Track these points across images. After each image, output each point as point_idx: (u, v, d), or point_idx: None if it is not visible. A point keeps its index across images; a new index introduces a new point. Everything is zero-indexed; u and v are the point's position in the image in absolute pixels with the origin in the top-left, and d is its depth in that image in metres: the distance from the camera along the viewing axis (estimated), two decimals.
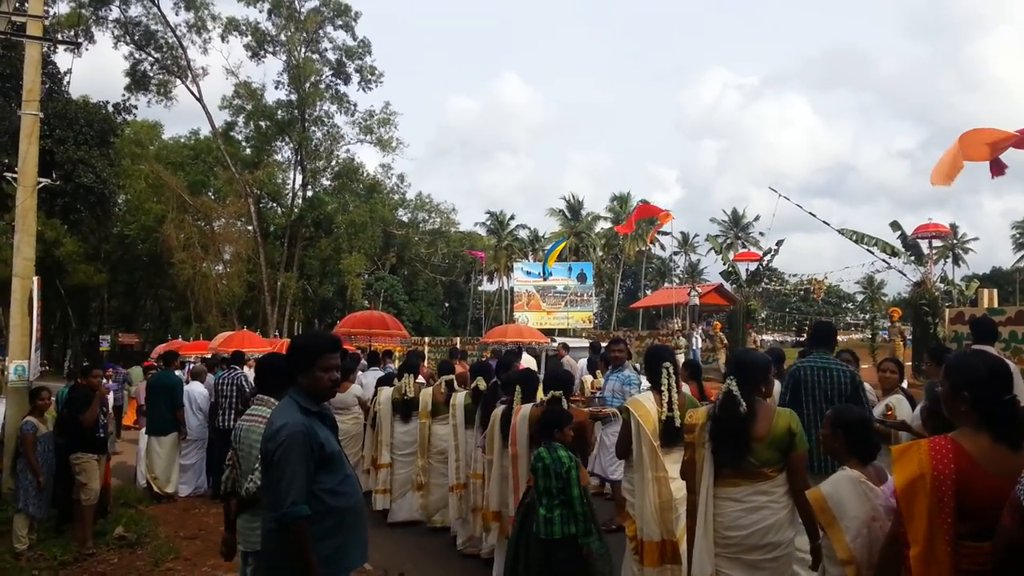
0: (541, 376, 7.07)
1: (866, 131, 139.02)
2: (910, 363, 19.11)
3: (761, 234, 63.58)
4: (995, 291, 22.10)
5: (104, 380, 10.19)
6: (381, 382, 8.89)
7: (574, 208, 65.84)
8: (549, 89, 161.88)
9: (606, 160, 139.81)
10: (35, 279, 10.32)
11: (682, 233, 69.17)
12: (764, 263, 26.86)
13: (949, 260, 62.99)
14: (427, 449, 7.69)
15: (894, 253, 20.05)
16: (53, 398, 8.25)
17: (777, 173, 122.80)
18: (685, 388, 7.33)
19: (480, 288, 64.88)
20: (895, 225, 20.42)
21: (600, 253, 65.80)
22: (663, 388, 4.81)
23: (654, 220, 35.54)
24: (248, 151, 47.76)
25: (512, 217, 67.50)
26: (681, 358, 24.15)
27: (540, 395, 5.99)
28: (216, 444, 9.83)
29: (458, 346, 21.61)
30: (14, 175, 10.69)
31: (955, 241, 62.71)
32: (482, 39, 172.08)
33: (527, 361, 11.02)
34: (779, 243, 25.35)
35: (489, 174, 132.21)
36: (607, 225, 66.67)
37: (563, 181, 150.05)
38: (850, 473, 3.26)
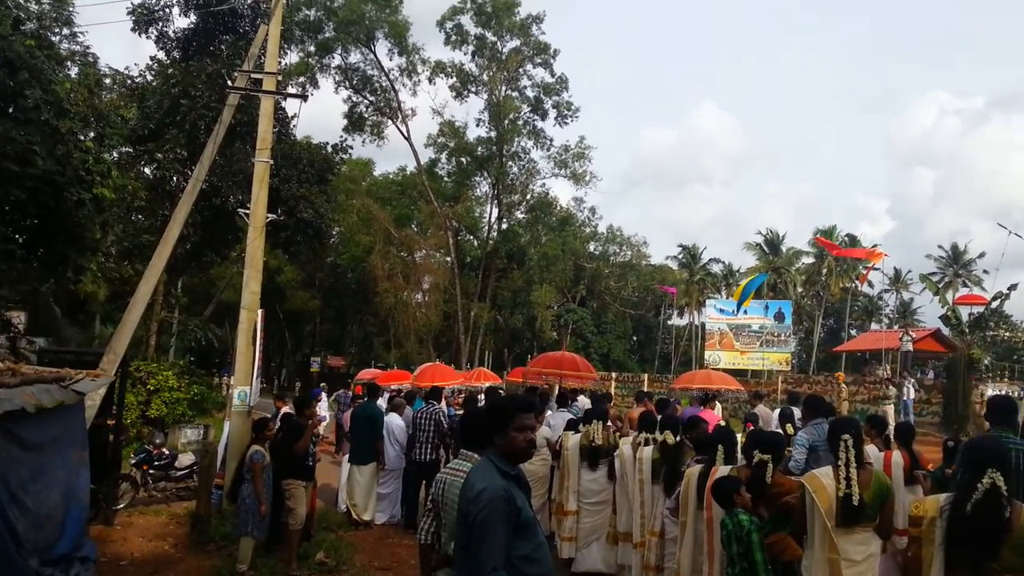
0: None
1: None
2: None
3: (985, 272, 57.68)
4: None
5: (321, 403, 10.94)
6: (570, 426, 8.87)
7: (772, 242, 63.10)
8: (748, 118, 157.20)
9: (808, 191, 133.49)
10: (260, 312, 11.31)
11: (894, 269, 64.24)
12: (992, 308, 24.26)
13: None
14: (625, 501, 7.52)
15: None
16: (277, 426, 8.80)
17: (1004, 204, 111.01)
18: (873, 452, 6.68)
19: (670, 323, 63.71)
20: None
21: (800, 290, 62.51)
22: (840, 463, 4.41)
23: (865, 261, 33.39)
24: (449, 186, 50.13)
25: (705, 250, 66.00)
26: (890, 409, 22.46)
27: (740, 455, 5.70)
28: (411, 475, 10.23)
29: (646, 387, 21.21)
30: (247, 211, 11.80)
31: None
32: (680, 69, 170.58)
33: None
34: (1012, 287, 22.67)
35: (682, 206, 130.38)
36: (809, 260, 63.32)
37: (761, 214, 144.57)
38: None
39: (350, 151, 46.38)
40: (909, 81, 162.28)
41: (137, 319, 10.71)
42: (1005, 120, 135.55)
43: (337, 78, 45.18)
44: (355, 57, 45.12)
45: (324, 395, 21.18)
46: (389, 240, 44.99)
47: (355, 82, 45.52)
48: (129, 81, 22.75)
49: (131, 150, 20.30)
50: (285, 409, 10.62)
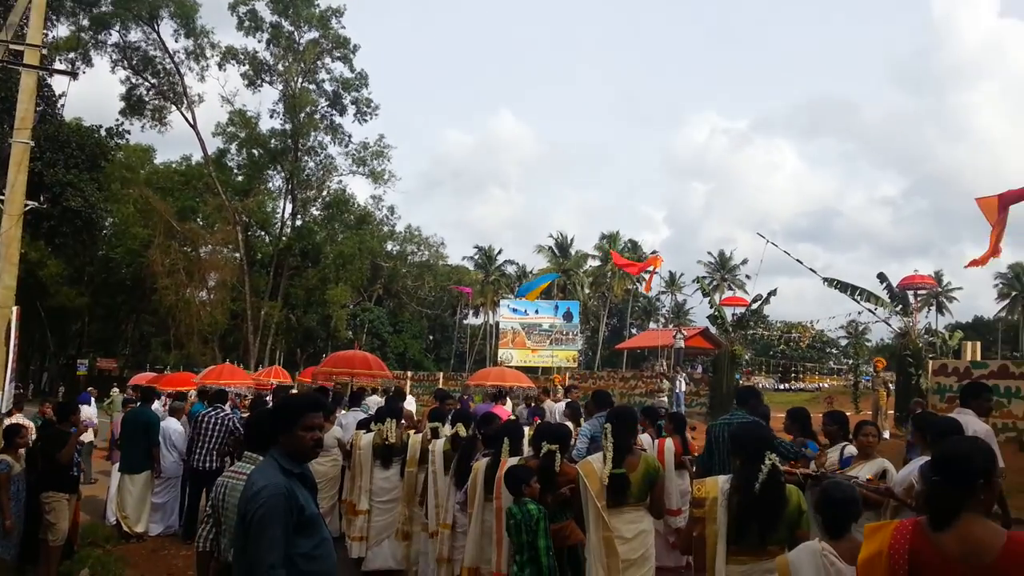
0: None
1: (851, 178, 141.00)
2: (893, 412, 19.15)
3: (748, 277, 64.01)
4: (979, 344, 22.21)
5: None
6: (361, 425, 8.75)
7: (563, 246, 66.09)
8: (542, 126, 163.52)
9: (596, 198, 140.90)
10: (14, 309, 10.15)
11: (670, 273, 69.53)
12: (752, 309, 26.87)
13: (933, 308, 63.46)
14: (413, 497, 7.54)
15: (879, 302, 20.12)
16: (32, 436, 8.01)
17: (763, 216, 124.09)
18: (647, 440, 7.29)
19: (465, 322, 64.79)
20: (882, 276, 20.51)
21: (587, 291, 65.91)
22: (606, 449, 4.75)
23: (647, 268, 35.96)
24: (240, 178, 47.78)
25: (500, 252, 67.87)
26: (665, 401, 24.20)
27: (526, 448, 5.91)
28: (191, 483, 9.63)
29: (441, 384, 21.44)
30: (1, 197, 10.56)
31: (939, 290, 63.20)
32: (478, 75, 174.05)
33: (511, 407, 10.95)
34: (771, 292, 25.23)
35: (479, 208, 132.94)
36: (595, 263, 66.99)
37: (553, 218, 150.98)
38: (815, 544, 3.34)
39: (127, 136, 43.35)
40: (685, 101, 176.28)
41: None
42: (766, 142, 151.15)
43: (115, 57, 41.74)
44: (136, 35, 41.92)
45: (93, 400, 19.35)
46: (171, 233, 42.11)
47: (135, 62, 42.17)
48: None
49: None
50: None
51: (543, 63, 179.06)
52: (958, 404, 5.85)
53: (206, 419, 9.48)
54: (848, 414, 7.18)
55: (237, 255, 45.08)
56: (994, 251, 16.86)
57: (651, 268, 32.13)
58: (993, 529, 2.53)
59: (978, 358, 20.13)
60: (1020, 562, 2.31)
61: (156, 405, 11.43)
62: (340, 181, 49.29)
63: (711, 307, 27.92)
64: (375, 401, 11.75)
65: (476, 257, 67.23)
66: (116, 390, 21.39)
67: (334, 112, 46.50)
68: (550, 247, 66.08)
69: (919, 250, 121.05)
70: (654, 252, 58.46)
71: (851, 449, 5.58)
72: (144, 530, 9.69)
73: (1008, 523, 5.06)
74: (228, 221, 44.19)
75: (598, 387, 22.53)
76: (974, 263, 16.84)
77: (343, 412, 10.53)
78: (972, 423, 5.20)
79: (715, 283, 64.55)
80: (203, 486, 9.33)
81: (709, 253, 71.59)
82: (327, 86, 46.30)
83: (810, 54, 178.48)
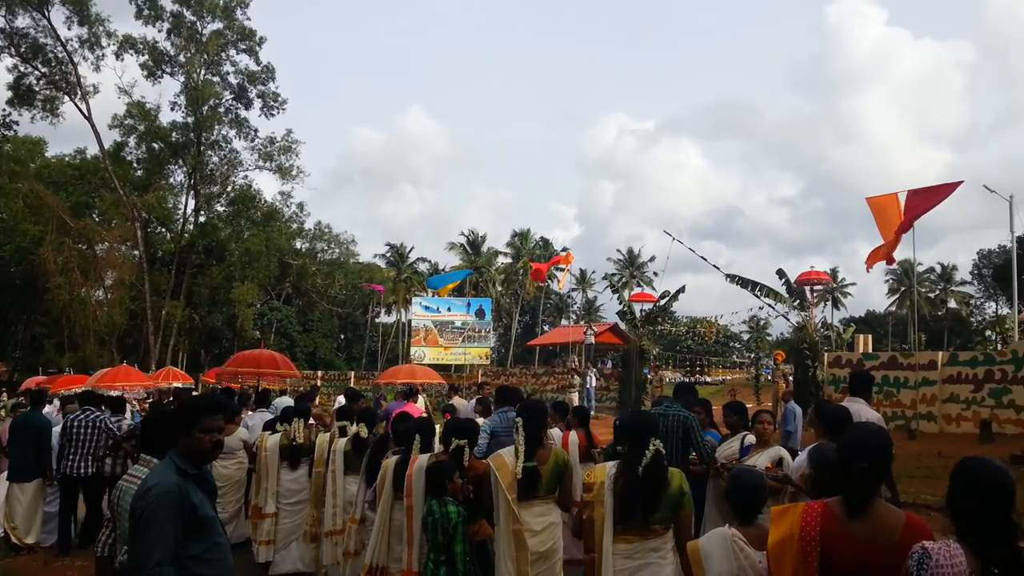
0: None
1: (752, 178, 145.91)
2: (790, 402, 19.97)
3: (655, 274, 65.57)
4: (870, 336, 23.48)
5: None
6: (267, 426, 8.56)
7: (475, 243, 66.17)
8: (455, 124, 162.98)
9: (508, 196, 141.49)
10: None
11: (580, 270, 70.50)
12: (660, 305, 27.57)
13: (829, 303, 66.52)
14: (320, 498, 7.43)
15: (778, 298, 20.96)
16: None
17: (670, 214, 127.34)
18: (557, 434, 7.42)
19: (377, 320, 64.13)
20: (780, 273, 21.39)
21: (499, 288, 66.22)
22: (517, 442, 4.82)
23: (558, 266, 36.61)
24: (138, 173, 45.88)
25: (412, 249, 67.54)
26: (575, 396, 24.65)
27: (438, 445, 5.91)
28: (62, 491, 9.09)
29: (352, 383, 21.19)
30: None
31: (834, 285, 66.26)
32: (389, 71, 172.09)
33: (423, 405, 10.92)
34: (680, 290, 26.09)
35: (391, 205, 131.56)
36: (507, 260, 67.35)
37: (465, 216, 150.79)
38: (725, 531, 3.45)
39: (15, 127, 40.99)
40: (595, 101, 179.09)
41: None
42: (672, 142, 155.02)
43: (0, 43, 39.26)
44: (24, 21, 39.56)
45: None
46: (64, 230, 40.07)
47: (23, 49, 39.86)
48: None
49: None
50: None
51: (455, 61, 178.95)
52: (848, 393, 6.18)
53: (76, 423, 8.99)
54: (749, 405, 7.49)
55: (136, 252, 43.29)
56: (888, 259, 17.99)
57: (562, 266, 32.66)
58: (895, 511, 2.73)
59: (870, 350, 21.28)
60: (919, 540, 2.47)
61: (48, 409, 10.87)
62: (246, 176, 47.91)
63: (620, 304, 28.54)
64: (283, 402, 11.51)
65: (388, 255, 66.71)
66: (4, 395, 20.28)
67: (239, 105, 45.15)
68: (462, 244, 66.12)
69: (816, 247, 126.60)
70: (565, 249, 59.43)
71: (750, 438, 5.81)
72: (35, 541, 9.21)
73: (897, 504, 5.38)
74: (126, 217, 42.32)
75: (511, 384, 22.74)
76: (874, 258, 17.82)
77: (249, 413, 10.28)
78: (863, 411, 5.48)
79: (624, 280, 65.85)
80: (77, 492, 8.95)
81: (619, 251, 72.96)
82: (232, 79, 44.91)
83: (714, 58, 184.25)
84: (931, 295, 67.34)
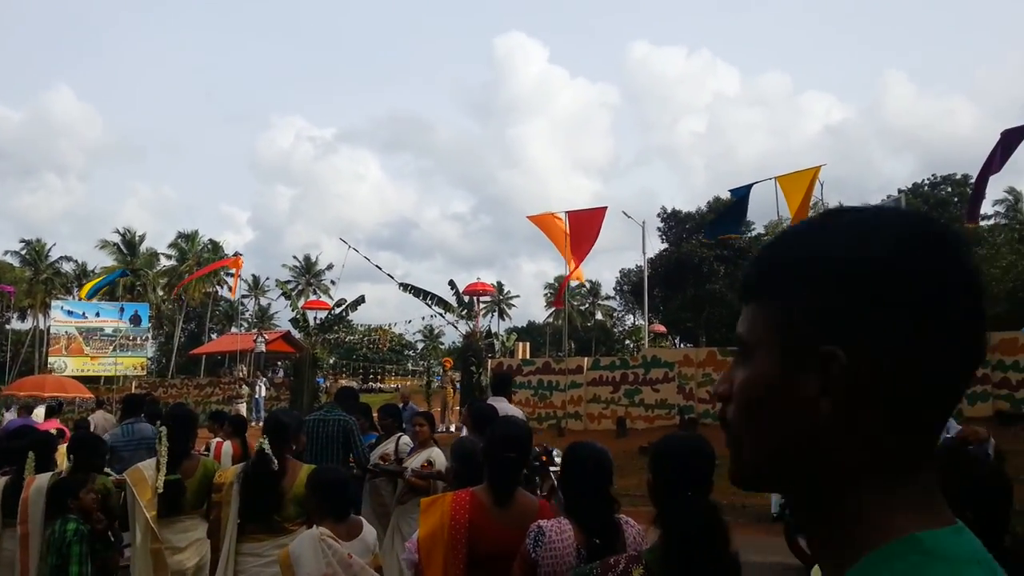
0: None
1: (427, 192, 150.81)
2: (459, 407, 20.97)
3: (333, 282, 64.96)
4: (528, 344, 25.53)
5: None
6: None
7: (131, 243, 60.23)
8: (112, 112, 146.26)
9: (173, 195, 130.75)
10: None
11: (253, 276, 67.54)
12: (335, 313, 27.34)
13: (496, 313, 71.17)
14: None
15: (448, 307, 21.92)
16: None
17: (348, 224, 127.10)
18: (226, 447, 7.08)
19: (8, 327, 55.89)
20: (451, 284, 22.44)
21: (161, 293, 61.03)
22: (160, 452, 4.60)
23: (227, 270, 34.53)
24: None
25: (54, 247, 59.94)
26: (243, 407, 23.53)
27: (64, 462, 5.21)
28: None
29: None
30: None
31: (501, 297, 71.03)
32: (30, 41, 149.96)
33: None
34: (360, 299, 26.10)
35: (28, 196, 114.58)
36: (170, 263, 62.38)
37: (121, 212, 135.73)
38: (313, 532, 3.47)
39: None
40: (272, 103, 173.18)
41: None
42: (351, 152, 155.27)
43: None
44: None
45: None
46: None
47: None
48: None
49: None
50: None
51: (116, 42, 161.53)
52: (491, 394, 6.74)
53: None
54: (422, 409, 7.92)
55: None
56: (577, 276, 20.24)
57: (232, 270, 30.98)
58: (531, 498, 2.99)
59: (528, 356, 23.06)
60: None
61: None
62: None
63: (294, 311, 27.82)
64: None
65: (22, 252, 58.28)
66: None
67: None
68: (116, 244, 59.78)
69: (485, 262, 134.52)
70: (237, 253, 56.51)
71: (405, 439, 6.00)
72: None
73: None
74: None
75: (175, 397, 20.98)
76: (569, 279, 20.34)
77: None
78: (506, 408, 5.96)
79: (300, 287, 64.35)
80: None
81: (295, 257, 71.05)
82: None
83: (393, 72, 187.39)
84: (582, 308, 75.12)
